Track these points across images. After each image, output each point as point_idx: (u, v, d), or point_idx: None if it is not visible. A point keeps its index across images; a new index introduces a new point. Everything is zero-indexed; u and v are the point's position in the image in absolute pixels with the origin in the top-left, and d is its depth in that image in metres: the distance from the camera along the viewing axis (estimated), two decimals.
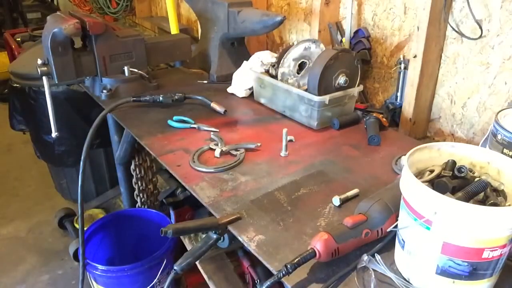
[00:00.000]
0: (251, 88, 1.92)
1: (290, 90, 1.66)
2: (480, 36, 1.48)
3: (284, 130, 1.41)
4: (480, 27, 1.46)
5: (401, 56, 1.70)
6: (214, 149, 1.44)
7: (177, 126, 1.63)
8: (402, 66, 1.69)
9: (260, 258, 0.99)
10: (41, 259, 2.69)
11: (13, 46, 3.66)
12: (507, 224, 0.76)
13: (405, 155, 0.93)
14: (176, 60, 2.41)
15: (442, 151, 0.98)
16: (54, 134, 1.88)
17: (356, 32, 1.90)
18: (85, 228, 1.93)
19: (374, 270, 0.91)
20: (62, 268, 2.61)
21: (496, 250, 0.79)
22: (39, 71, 1.77)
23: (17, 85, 2.61)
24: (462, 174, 0.91)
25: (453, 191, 0.87)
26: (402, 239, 0.90)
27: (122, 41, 1.90)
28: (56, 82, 1.80)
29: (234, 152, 1.43)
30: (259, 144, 1.46)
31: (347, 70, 1.61)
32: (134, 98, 1.77)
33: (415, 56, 1.59)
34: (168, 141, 1.53)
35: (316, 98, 1.55)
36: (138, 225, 2.18)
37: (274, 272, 0.92)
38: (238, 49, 2.16)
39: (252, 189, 1.25)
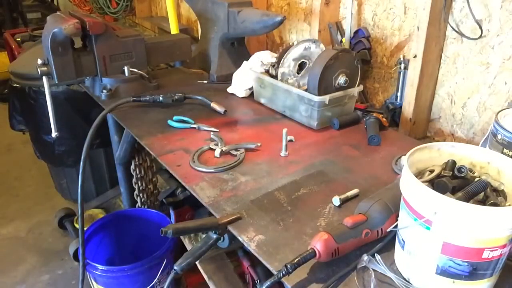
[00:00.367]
0: (251, 88, 1.92)
1: (290, 90, 1.66)
2: (480, 36, 1.48)
3: (284, 130, 1.41)
4: (480, 27, 1.46)
5: (401, 56, 1.70)
6: (214, 149, 1.44)
7: (177, 126, 1.63)
8: (402, 66, 1.69)
9: (260, 258, 0.99)
10: (41, 259, 2.69)
11: (13, 46, 3.65)
12: (507, 224, 0.76)
13: (405, 155, 0.93)
14: (176, 60, 2.41)
15: (442, 151, 0.98)
16: (54, 134, 1.88)
17: (356, 32, 1.90)
18: (85, 228, 1.93)
19: (374, 270, 0.91)
20: (62, 268, 2.61)
21: (496, 250, 0.79)
22: (39, 71, 1.77)
23: (17, 85, 2.61)
24: (462, 174, 0.91)
25: (453, 191, 0.87)
26: (402, 239, 0.90)
27: (122, 41, 1.90)
28: (56, 82, 1.80)
29: (234, 152, 1.43)
30: (259, 144, 1.46)
31: (347, 70, 1.61)
32: (134, 98, 1.77)
33: (415, 56, 1.59)
34: (168, 141, 1.53)
35: (316, 98, 1.55)
36: (138, 225, 2.18)
37: (274, 272, 0.92)
38: (238, 49, 2.16)
39: (252, 189, 1.25)
